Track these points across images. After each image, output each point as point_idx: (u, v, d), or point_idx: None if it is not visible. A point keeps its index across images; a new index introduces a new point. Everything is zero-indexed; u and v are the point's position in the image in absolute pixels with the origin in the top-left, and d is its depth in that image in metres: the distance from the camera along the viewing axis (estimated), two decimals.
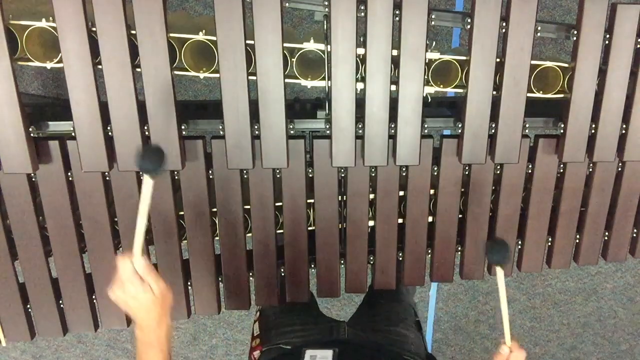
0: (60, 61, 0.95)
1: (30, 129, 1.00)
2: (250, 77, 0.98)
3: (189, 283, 1.18)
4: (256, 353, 1.21)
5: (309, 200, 1.12)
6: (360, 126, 1.02)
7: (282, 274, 1.18)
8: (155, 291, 0.89)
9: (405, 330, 1.27)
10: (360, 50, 0.98)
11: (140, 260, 0.88)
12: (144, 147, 0.97)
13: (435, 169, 1.11)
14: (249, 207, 1.12)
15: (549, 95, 1.07)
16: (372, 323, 1.28)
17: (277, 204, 1.12)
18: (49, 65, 0.97)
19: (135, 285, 0.88)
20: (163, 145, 0.99)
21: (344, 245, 1.16)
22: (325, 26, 0.97)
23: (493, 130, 1.05)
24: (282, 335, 1.22)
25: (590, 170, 1.16)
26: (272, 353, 1.17)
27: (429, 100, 1.03)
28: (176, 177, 1.08)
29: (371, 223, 1.15)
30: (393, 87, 1.00)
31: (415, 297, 2.48)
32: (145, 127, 0.99)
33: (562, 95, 1.06)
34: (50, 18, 0.93)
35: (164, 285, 0.90)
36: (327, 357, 1.03)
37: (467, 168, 1.13)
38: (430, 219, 1.17)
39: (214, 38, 0.95)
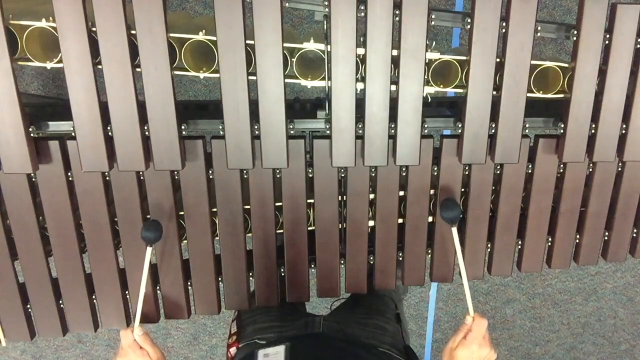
0: (60, 61, 0.95)
1: (30, 129, 1.00)
2: (250, 77, 0.97)
3: (189, 283, 1.18)
4: (232, 350, 1.22)
5: (309, 200, 1.12)
6: (360, 126, 1.02)
7: (282, 274, 1.18)
8: (152, 357, 1.06)
9: (384, 322, 1.28)
10: (360, 50, 0.98)
11: (139, 330, 1.07)
12: (145, 222, 1.10)
13: (435, 169, 1.11)
14: (249, 207, 1.12)
15: (549, 95, 1.07)
16: (350, 316, 1.30)
17: (277, 204, 1.12)
18: (49, 65, 0.97)
19: (136, 353, 1.05)
20: (163, 145, 1.00)
21: (344, 245, 1.16)
22: (325, 26, 0.97)
23: (493, 130, 1.05)
24: (258, 331, 1.23)
25: (590, 170, 1.16)
26: (248, 349, 1.18)
27: (429, 100, 1.03)
28: (176, 177, 1.08)
29: (371, 223, 1.15)
30: (393, 87, 1.00)
31: (415, 297, 2.48)
32: (145, 127, 0.99)
33: (562, 95, 1.06)
34: (50, 18, 0.93)
35: (159, 351, 1.08)
36: (279, 352, 1.07)
37: (467, 168, 1.13)
38: (430, 219, 1.17)
39: (214, 38, 0.95)
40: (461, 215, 1.12)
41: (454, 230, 1.09)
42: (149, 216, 1.11)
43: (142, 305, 1.08)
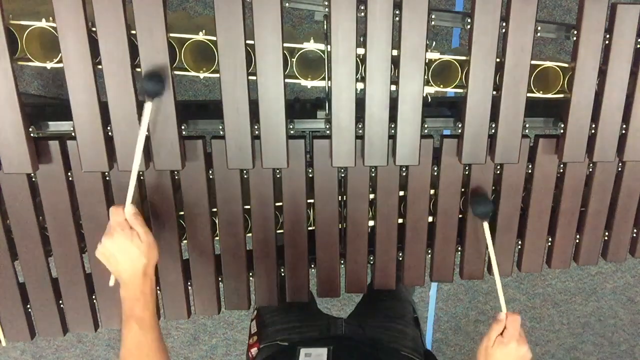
0: (60, 61, 0.95)
1: (30, 129, 1.00)
2: (250, 77, 0.98)
3: (189, 283, 1.18)
4: (254, 350, 1.21)
5: (309, 200, 1.12)
6: (360, 126, 1.02)
7: (282, 274, 1.18)
8: (142, 239, 0.94)
9: (404, 326, 1.27)
10: (360, 50, 0.98)
11: (130, 207, 0.94)
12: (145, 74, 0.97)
13: (435, 169, 1.11)
14: (249, 207, 1.12)
15: (549, 95, 1.07)
16: (371, 319, 1.29)
17: (277, 204, 1.12)
18: (49, 65, 0.97)
19: (125, 232, 0.92)
20: (163, 145, 1.00)
21: (344, 245, 1.16)
22: (325, 26, 0.97)
23: (493, 130, 1.05)
24: (279, 332, 1.22)
25: (590, 170, 1.16)
26: (269, 350, 1.18)
27: (429, 100, 1.03)
28: (176, 177, 1.08)
29: (371, 223, 1.15)
30: (393, 87, 1.00)
31: (415, 297, 2.48)
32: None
33: (562, 95, 1.06)
34: (50, 18, 0.93)
35: (151, 236, 0.95)
36: (322, 355, 1.03)
37: (467, 168, 1.13)
38: (430, 219, 1.17)
39: (214, 38, 0.95)
40: (493, 209, 1.10)
41: (486, 225, 1.08)
42: (149, 216, 1.11)
43: (136, 184, 0.96)
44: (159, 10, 0.92)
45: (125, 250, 0.93)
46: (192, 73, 1.00)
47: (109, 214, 0.95)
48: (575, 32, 1.00)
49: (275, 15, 0.94)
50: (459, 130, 1.05)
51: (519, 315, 1.02)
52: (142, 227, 0.95)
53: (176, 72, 0.98)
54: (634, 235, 1.23)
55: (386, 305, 1.35)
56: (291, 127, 1.04)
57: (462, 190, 1.15)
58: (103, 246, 0.94)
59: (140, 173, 1.07)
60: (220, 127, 1.01)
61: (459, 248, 1.20)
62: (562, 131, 1.06)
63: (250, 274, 1.17)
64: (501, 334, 1.01)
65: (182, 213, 1.12)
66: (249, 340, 1.27)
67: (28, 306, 1.16)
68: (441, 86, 1.05)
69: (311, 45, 1.00)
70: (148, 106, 0.93)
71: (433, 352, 1.22)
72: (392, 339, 1.21)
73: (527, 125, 1.06)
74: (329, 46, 0.97)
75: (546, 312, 2.56)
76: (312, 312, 1.30)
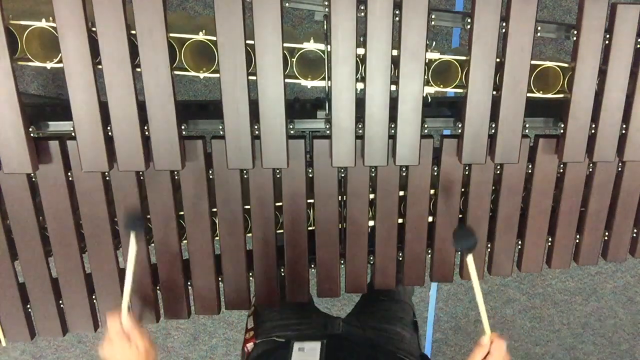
0: (60, 61, 0.95)
1: (30, 129, 1.00)
2: (250, 77, 0.97)
3: (189, 283, 1.18)
4: (249, 345, 1.22)
5: (309, 200, 1.12)
6: (360, 126, 1.02)
7: (282, 274, 1.18)
8: (139, 347, 0.99)
9: (402, 329, 1.27)
10: (360, 50, 0.98)
11: (126, 318, 0.99)
12: (127, 215, 1.06)
13: (435, 169, 1.11)
14: (249, 207, 1.12)
15: (549, 95, 1.07)
16: (369, 320, 1.29)
17: (277, 204, 1.12)
18: (49, 65, 0.97)
19: (122, 341, 0.98)
20: (163, 145, 1.00)
21: (344, 245, 1.16)
22: (325, 26, 0.97)
23: (493, 130, 1.05)
24: (276, 328, 1.23)
25: (590, 170, 1.16)
26: (266, 345, 1.18)
27: (429, 100, 1.02)
28: (176, 177, 1.08)
29: (371, 223, 1.15)
30: (393, 87, 1.00)
31: (415, 297, 2.48)
32: (145, 127, 0.99)
33: (562, 95, 1.06)
34: (50, 18, 0.93)
35: (147, 341, 1.01)
36: (315, 348, 1.05)
37: (467, 168, 1.13)
38: (430, 219, 1.17)
39: (214, 38, 0.95)
40: (477, 243, 1.04)
41: (470, 258, 1.02)
42: (148, 216, 1.11)
43: (132, 291, 1.02)
44: (159, 10, 0.92)
45: (125, 356, 0.99)
46: (192, 73, 1.00)
47: (106, 320, 1.00)
48: (575, 32, 1.00)
49: (275, 15, 0.94)
50: (459, 130, 1.05)
51: (504, 340, 0.98)
52: (139, 335, 1.00)
53: (176, 72, 0.98)
54: (634, 235, 1.23)
55: (385, 306, 1.35)
56: (291, 127, 1.04)
57: (462, 190, 1.15)
58: (104, 350, 1.00)
59: (141, 173, 1.07)
60: (220, 127, 1.01)
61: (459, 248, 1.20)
62: (562, 131, 1.06)
63: (250, 274, 1.17)
64: (484, 358, 0.98)
65: (182, 213, 1.12)
66: (245, 334, 1.27)
67: (28, 306, 1.16)
68: (441, 86, 1.05)
69: (311, 45, 1.00)
70: (132, 238, 1.00)
71: (429, 357, 1.22)
72: (389, 340, 1.21)
73: (527, 125, 1.06)
74: (329, 46, 0.97)
75: (546, 312, 2.56)
76: (310, 311, 1.30)
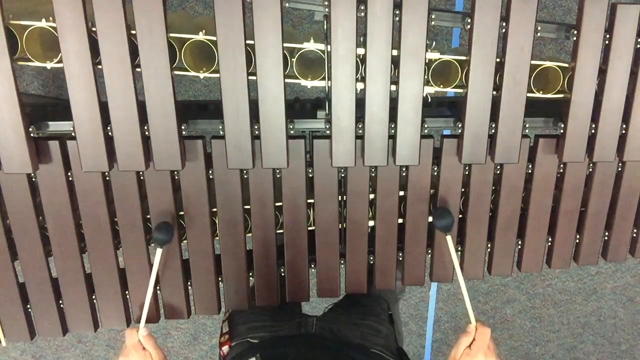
0: (60, 61, 0.95)
1: (30, 129, 1.00)
2: (250, 77, 0.97)
3: (189, 283, 1.18)
4: (225, 348, 1.22)
5: (309, 200, 1.12)
6: (360, 126, 1.02)
7: (282, 274, 1.18)
8: (154, 359, 1.06)
9: (377, 324, 1.28)
10: (360, 50, 0.98)
11: (143, 331, 1.07)
12: (157, 224, 1.10)
13: (435, 169, 1.11)
14: (249, 207, 1.12)
15: (549, 95, 1.07)
16: (344, 316, 1.29)
17: (277, 204, 1.12)
18: (49, 65, 0.97)
19: (139, 352, 1.04)
20: (163, 145, 1.00)
21: (344, 245, 1.16)
22: (325, 26, 0.97)
23: (493, 130, 1.05)
24: (251, 330, 1.23)
25: (590, 170, 1.16)
26: (241, 347, 1.18)
27: (429, 100, 1.02)
28: (176, 177, 1.08)
29: (371, 223, 1.15)
30: (393, 87, 1.00)
31: (415, 297, 2.48)
32: (145, 127, 0.99)
33: (562, 95, 1.06)
34: (50, 18, 0.93)
35: (162, 354, 1.08)
36: None
37: (467, 168, 1.13)
38: (430, 219, 1.17)
39: (214, 38, 0.95)
40: (454, 222, 1.11)
41: (449, 238, 1.08)
42: (148, 216, 1.11)
43: (148, 305, 1.08)
44: (159, 10, 0.92)
45: None
46: (192, 73, 1.00)
47: (125, 335, 1.07)
48: (575, 32, 1.00)
49: (275, 15, 0.94)
50: (459, 130, 1.05)
51: (489, 328, 1.03)
52: (155, 349, 1.06)
53: (176, 72, 0.98)
54: (634, 235, 1.23)
55: (360, 302, 1.36)
56: (291, 127, 1.04)
57: (462, 190, 1.15)
58: None
59: (140, 173, 1.07)
60: (220, 127, 1.01)
61: (459, 248, 1.20)
62: (562, 131, 1.06)
63: (250, 274, 1.17)
64: (469, 346, 1.02)
65: (182, 213, 1.12)
66: (220, 338, 1.27)
67: (28, 306, 1.16)
68: (441, 86, 1.05)
69: (311, 45, 1.00)
70: (158, 252, 1.07)
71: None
72: (362, 335, 1.22)
73: (527, 125, 1.06)
74: (329, 46, 0.97)
75: (546, 312, 2.56)
76: (286, 311, 1.30)
